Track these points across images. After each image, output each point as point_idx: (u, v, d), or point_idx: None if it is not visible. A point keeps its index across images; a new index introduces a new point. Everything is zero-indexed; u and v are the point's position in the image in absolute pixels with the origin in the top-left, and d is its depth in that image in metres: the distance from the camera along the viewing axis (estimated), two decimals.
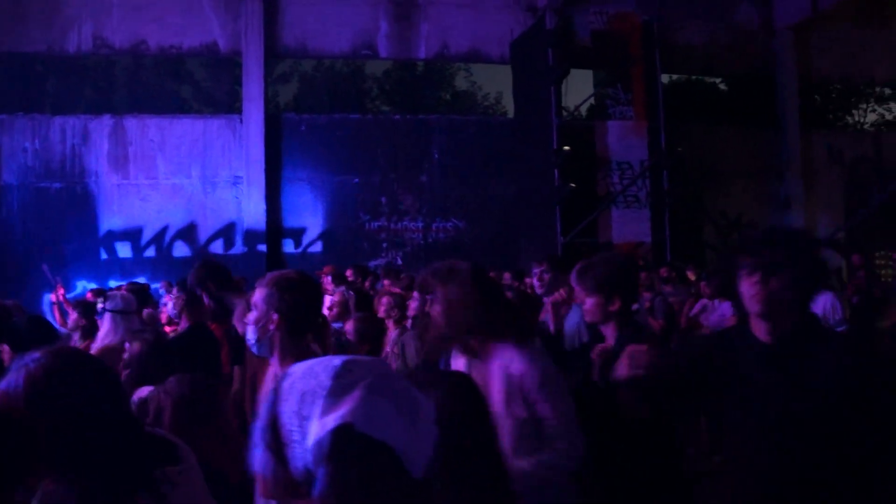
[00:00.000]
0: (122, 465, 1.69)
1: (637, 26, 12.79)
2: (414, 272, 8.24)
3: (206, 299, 4.96)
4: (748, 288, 2.25)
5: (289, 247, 13.48)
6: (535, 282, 4.91)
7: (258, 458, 1.13)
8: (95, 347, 4.73)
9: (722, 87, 21.16)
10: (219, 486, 2.05)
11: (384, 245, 13.66)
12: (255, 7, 13.26)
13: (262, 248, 13.01)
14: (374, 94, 23.86)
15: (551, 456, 2.56)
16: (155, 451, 1.83)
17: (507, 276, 8.61)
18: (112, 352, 4.37)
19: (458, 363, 2.83)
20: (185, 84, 21.62)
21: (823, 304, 5.54)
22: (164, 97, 19.68)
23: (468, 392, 1.88)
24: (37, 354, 1.71)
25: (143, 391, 2.87)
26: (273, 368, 2.72)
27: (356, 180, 13.65)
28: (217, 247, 13.15)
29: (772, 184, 14.96)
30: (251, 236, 13.05)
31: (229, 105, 19.24)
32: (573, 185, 11.87)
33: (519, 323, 2.86)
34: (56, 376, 1.67)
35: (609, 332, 3.31)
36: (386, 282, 8.38)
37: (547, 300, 4.88)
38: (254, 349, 2.69)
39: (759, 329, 2.28)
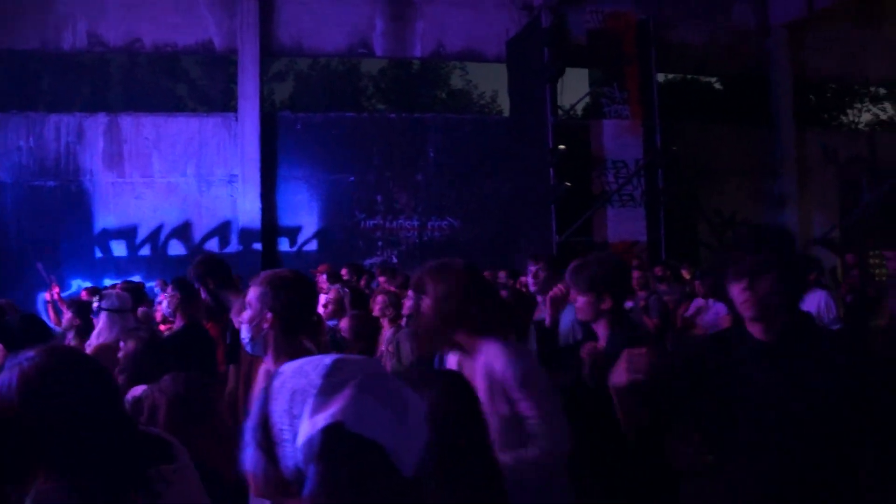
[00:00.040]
0: (116, 463, 1.70)
1: (632, 25, 12.80)
2: (409, 271, 8.24)
3: (203, 294, 4.96)
4: (737, 294, 2.27)
5: (284, 245, 13.47)
6: (530, 279, 4.91)
7: (249, 457, 1.13)
8: (90, 346, 4.73)
9: (717, 85, 21.20)
10: (214, 485, 2.05)
11: (379, 244, 13.65)
12: (251, 5, 13.24)
13: (258, 246, 13.00)
14: (370, 92, 23.85)
15: (532, 454, 2.55)
16: (149, 449, 1.83)
17: (501, 274, 8.61)
18: (107, 350, 4.37)
19: (452, 361, 2.85)
20: (180, 82, 21.59)
21: (817, 302, 5.56)
22: (159, 95, 19.65)
23: (462, 391, 1.88)
24: (31, 353, 1.71)
25: (137, 390, 2.87)
26: (265, 367, 2.73)
27: (352, 179, 13.64)
28: (212, 245, 13.13)
29: (766, 182, 15.00)
30: (246, 235, 13.04)
31: (225, 103, 19.22)
32: (568, 183, 11.88)
33: (507, 321, 2.87)
34: (50, 375, 1.67)
35: (601, 330, 3.34)
36: (381, 279, 8.38)
37: (540, 298, 4.91)
38: (248, 348, 2.70)
39: (755, 329, 2.30)
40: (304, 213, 13.54)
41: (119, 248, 13.03)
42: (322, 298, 6.27)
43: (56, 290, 9.19)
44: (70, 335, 5.30)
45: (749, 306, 2.24)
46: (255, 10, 13.24)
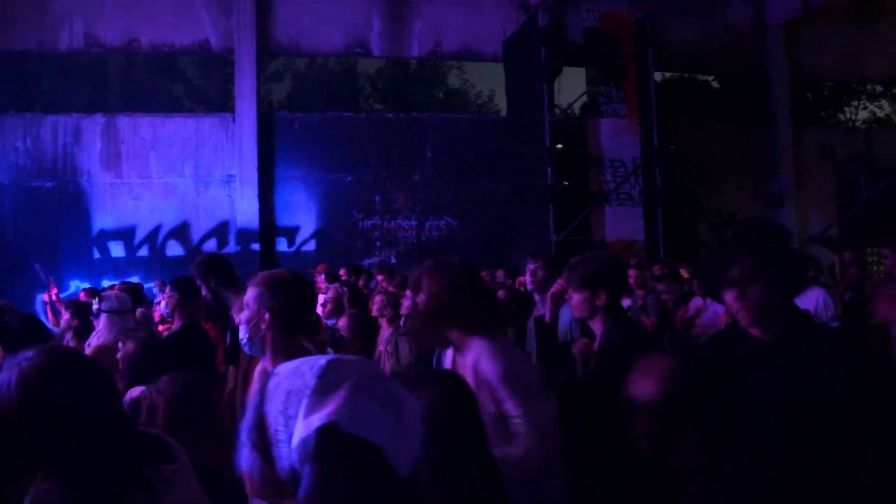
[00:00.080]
0: (115, 463, 1.70)
1: (629, 24, 12.80)
2: (407, 271, 8.24)
3: (204, 292, 4.96)
4: (731, 303, 2.27)
5: (282, 245, 13.46)
6: (528, 277, 4.90)
7: (245, 457, 1.13)
8: (90, 346, 4.74)
9: (714, 84, 21.21)
10: (213, 486, 2.05)
11: (377, 243, 13.65)
12: (248, 4, 13.23)
13: (256, 246, 12.99)
14: (367, 92, 23.85)
15: (515, 452, 2.53)
16: (148, 449, 1.84)
17: (500, 273, 8.61)
18: (106, 351, 4.38)
19: (449, 359, 2.85)
20: (177, 82, 21.59)
21: (815, 300, 5.54)
22: (156, 95, 19.64)
23: (459, 391, 1.89)
24: (30, 353, 1.72)
25: (135, 391, 2.88)
26: (261, 367, 2.73)
27: (349, 179, 13.64)
28: (210, 246, 13.12)
29: (764, 181, 15.01)
30: (244, 235, 13.03)
31: (222, 103, 19.20)
32: (566, 182, 11.89)
33: (499, 319, 2.87)
34: (49, 375, 1.68)
35: (597, 327, 3.36)
36: (380, 277, 8.38)
37: (538, 296, 4.91)
38: (246, 348, 2.70)
39: (754, 330, 2.30)
40: (301, 214, 13.53)
41: (117, 249, 13.02)
42: (321, 298, 6.28)
43: (54, 291, 9.18)
44: (68, 336, 5.31)
45: (743, 314, 2.25)
46: (251, 9, 13.23)
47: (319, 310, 6.15)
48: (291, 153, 13.51)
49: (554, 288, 4.06)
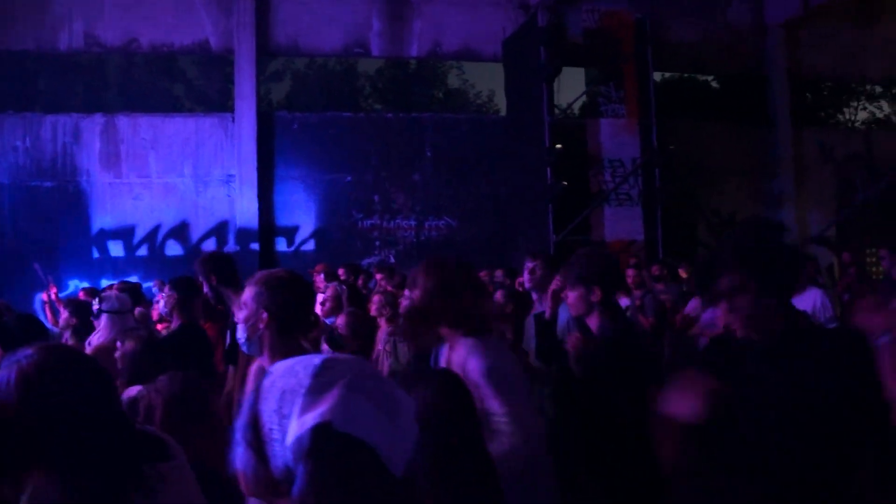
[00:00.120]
0: (112, 461, 1.70)
1: (629, 24, 12.80)
2: (407, 271, 8.25)
3: (206, 289, 4.97)
4: (724, 316, 2.26)
5: (281, 245, 13.47)
6: (526, 275, 4.91)
7: (239, 456, 1.14)
8: (90, 346, 4.74)
9: (714, 84, 21.22)
10: (212, 486, 2.06)
11: (377, 243, 13.66)
12: (247, 5, 13.23)
13: (255, 246, 12.99)
14: (367, 92, 23.85)
15: (497, 450, 2.49)
16: (146, 447, 1.84)
17: (498, 273, 8.61)
18: (105, 351, 4.38)
19: (443, 357, 2.87)
20: (177, 82, 21.59)
21: (813, 301, 5.53)
22: (156, 95, 19.64)
23: (456, 389, 1.89)
24: (29, 351, 1.72)
25: (133, 390, 2.88)
26: (256, 365, 2.73)
27: (349, 178, 13.64)
28: (209, 245, 13.12)
29: (764, 181, 15.01)
30: (244, 235, 13.03)
31: (221, 103, 19.21)
32: (565, 182, 11.90)
33: (490, 319, 2.89)
34: (48, 373, 1.68)
35: (593, 323, 3.38)
36: (379, 276, 8.38)
37: (535, 295, 4.92)
38: (244, 348, 2.70)
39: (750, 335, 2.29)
40: (301, 213, 13.54)
41: (116, 249, 13.02)
42: (319, 297, 6.28)
43: (53, 290, 9.17)
44: (67, 334, 5.31)
45: (737, 325, 2.24)
46: (251, 9, 13.23)
47: (318, 308, 6.15)
48: (291, 153, 13.51)
49: (553, 284, 4.09)
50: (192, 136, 13.29)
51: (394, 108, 21.32)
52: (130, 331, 4.35)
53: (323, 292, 6.49)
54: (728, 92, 18.92)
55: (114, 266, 12.80)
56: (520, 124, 13.12)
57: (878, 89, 22.02)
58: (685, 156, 13.75)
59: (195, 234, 13.18)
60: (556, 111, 13.24)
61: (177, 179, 13.19)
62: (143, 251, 13.06)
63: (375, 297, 5.58)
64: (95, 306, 4.95)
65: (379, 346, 5.31)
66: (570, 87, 14.34)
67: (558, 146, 12.00)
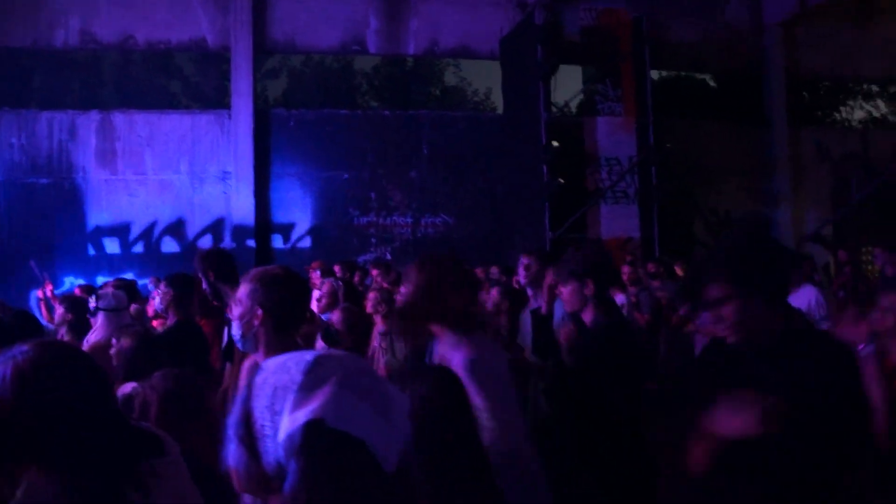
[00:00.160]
0: (107, 457, 1.70)
1: (626, 22, 12.81)
2: (403, 268, 8.24)
3: (204, 285, 4.98)
4: (713, 326, 2.27)
5: (278, 242, 13.46)
6: (521, 271, 4.92)
7: (231, 452, 1.14)
8: (87, 344, 4.73)
9: (711, 83, 21.22)
10: (208, 482, 2.05)
11: (373, 240, 13.66)
12: (244, 2, 13.21)
13: (251, 243, 12.99)
14: (364, 89, 23.81)
15: None
16: (140, 443, 1.84)
17: (494, 270, 8.61)
18: (101, 349, 4.37)
19: (435, 353, 2.88)
20: (173, 79, 21.53)
21: (808, 299, 5.56)
22: (152, 92, 19.58)
23: (451, 385, 1.90)
24: (24, 347, 1.71)
25: (127, 387, 2.87)
26: (250, 362, 2.73)
27: (345, 176, 13.64)
28: (206, 242, 13.10)
29: (761, 180, 15.03)
30: (240, 232, 13.02)
31: (218, 100, 19.16)
32: (562, 180, 11.91)
33: (474, 314, 2.90)
34: (44, 369, 1.67)
35: (588, 317, 3.40)
36: (375, 272, 8.39)
37: (531, 291, 4.93)
38: (239, 345, 2.69)
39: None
40: (297, 210, 13.53)
41: (112, 246, 13.00)
42: (315, 294, 6.28)
43: (49, 287, 9.15)
44: (63, 330, 5.30)
45: (726, 334, 2.25)
46: (248, 6, 13.21)
47: (314, 305, 6.15)
48: (287, 150, 13.50)
49: (549, 279, 4.10)
50: (189, 133, 13.27)
51: (391, 105, 21.28)
52: (126, 328, 4.34)
53: (319, 289, 6.49)
54: (725, 91, 18.92)
55: (109, 263, 12.79)
56: (517, 122, 13.12)
57: (875, 89, 22.03)
58: (682, 154, 13.76)
59: (191, 231, 13.17)
60: (553, 109, 13.26)
61: (173, 176, 13.17)
62: (138, 248, 13.04)
63: (371, 294, 5.58)
64: (92, 304, 4.95)
65: (374, 343, 5.31)
66: (567, 85, 14.33)
67: (555, 144, 12.01)
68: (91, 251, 12.91)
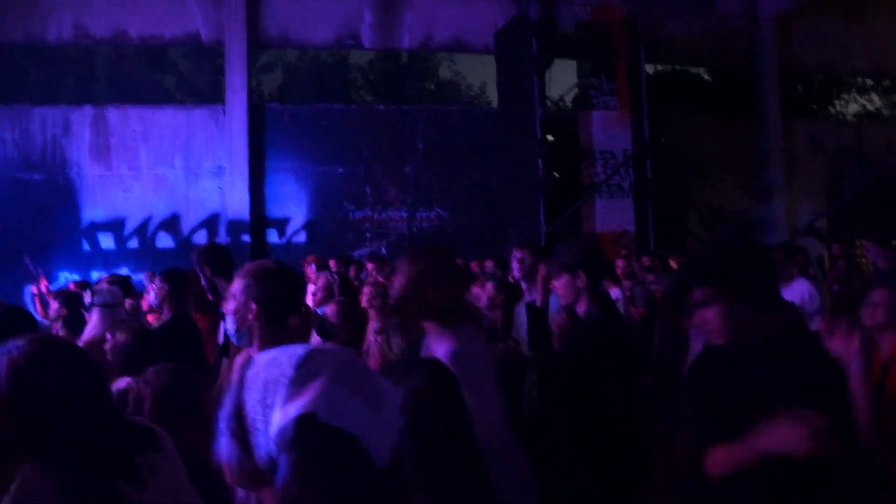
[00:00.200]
0: (102, 451, 1.71)
1: (621, 17, 12.80)
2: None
3: (202, 281, 4.99)
4: (698, 327, 2.29)
5: (273, 237, 13.45)
6: (515, 265, 4.93)
7: (223, 446, 1.14)
8: (82, 341, 4.73)
9: (705, 77, 21.24)
10: (204, 478, 2.06)
11: (368, 235, 13.65)
12: None
13: (246, 238, 12.97)
14: (359, 84, 23.75)
15: None
16: (135, 438, 1.85)
17: (489, 264, 8.62)
18: (96, 345, 4.37)
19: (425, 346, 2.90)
20: (167, 74, 21.45)
21: (801, 292, 5.56)
22: (146, 87, 19.51)
23: (443, 378, 1.90)
24: (20, 342, 1.72)
25: (122, 382, 2.88)
26: (243, 356, 2.74)
27: (340, 170, 13.62)
28: (201, 237, 13.08)
29: (755, 173, 15.07)
30: (235, 227, 13.00)
31: (212, 95, 19.09)
32: (557, 174, 11.92)
33: (462, 308, 2.91)
34: (39, 364, 1.68)
35: (581, 310, 3.43)
36: (370, 266, 8.39)
37: (525, 285, 4.93)
38: (233, 339, 2.70)
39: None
40: (292, 205, 13.52)
41: (107, 241, 12.98)
42: (310, 288, 6.28)
43: (44, 283, 9.14)
44: (57, 326, 5.30)
45: (713, 337, 2.27)
46: (241, 1, 13.17)
47: (310, 299, 6.16)
48: (282, 145, 13.48)
49: (543, 272, 4.12)
50: (183, 128, 13.24)
51: (385, 100, 21.25)
52: (122, 323, 4.35)
53: (314, 283, 6.49)
54: (719, 85, 18.94)
55: (104, 258, 12.76)
56: (511, 116, 13.12)
57: (869, 82, 22.07)
58: (676, 148, 13.78)
59: (186, 226, 13.15)
60: (548, 103, 13.27)
61: (167, 171, 13.14)
62: (133, 243, 13.02)
63: (366, 289, 5.58)
64: (87, 299, 4.95)
65: (369, 338, 5.32)
66: (562, 79, 14.32)
67: (550, 138, 12.01)
68: (85, 246, 12.89)
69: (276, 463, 1.07)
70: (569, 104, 15.95)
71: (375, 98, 22.46)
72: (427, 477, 1.63)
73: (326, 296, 6.04)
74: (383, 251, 13.26)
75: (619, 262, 7.89)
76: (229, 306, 2.66)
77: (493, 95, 18.00)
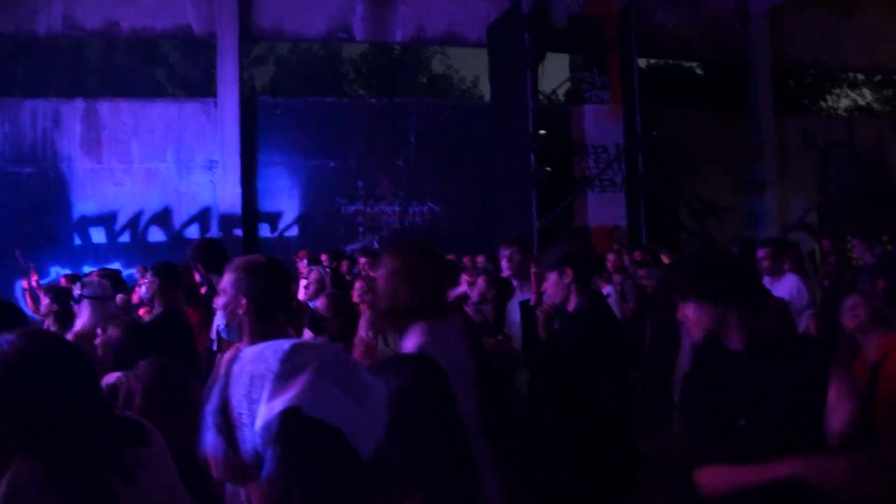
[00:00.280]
0: (92, 445, 1.71)
1: (613, 11, 12.80)
2: None
3: (197, 277, 4.98)
4: (682, 324, 2.35)
5: (265, 231, 13.42)
6: (505, 263, 4.92)
7: (209, 440, 1.14)
8: (72, 333, 4.71)
9: (698, 71, 21.27)
10: (194, 473, 2.06)
11: (360, 229, 13.64)
12: None
13: (238, 232, 12.94)
14: (351, 77, 23.72)
15: None
16: (125, 432, 1.85)
17: (480, 258, 8.62)
18: (86, 337, 4.36)
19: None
20: (159, 67, 21.37)
21: (790, 288, 5.57)
22: (137, 80, 19.43)
23: (433, 374, 1.90)
24: (10, 336, 1.72)
25: (111, 377, 2.87)
26: (231, 351, 2.74)
27: (332, 164, 13.60)
28: (192, 231, 13.05)
29: (747, 168, 15.11)
30: (227, 221, 12.97)
31: (204, 88, 19.03)
32: (549, 168, 11.93)
33: (441, 303, 2.92)
34: (29, 358, 1.69)
35: (571, 306, 3.45)
36: (363, 260, 8.38)
37: (516, 282, 4.93)
38: (223, 333, 2.71)
39: (723, 338, 2.34)
40: (284, 199, 13.49)
41: (98, 235, 12.93)
42: (302, 282, 6.27)
43: (34, 277, 9.10)
44: (48, 321, 5.28)
45: (694, 335, 2.34)
46: None
47: (302, 293, 6.15)
48: (274, 138, 13.45)
49: (533, 269, 4.14)
50: (175, 122, 13.19)
51: (378, 93, 21.22)
52: (114, 317, 4.33)
53: (306, 277, 6.48)
54: (712, 79, 18.98)
55: (95, 253, 12.71)
56: (504, 110, 13.11)
57: (860, 77, 22.15)
58: (669, 142, 13.81)
59: (178, 220, 13.11)
60: (541, 97, 13.25)
61: (159, 165, 13.10)
62: (125, 238, 12.97)
63: (357, 284, 5.57)
64: (76, 291, 4.92)
65: (361, 332, 5.31)
66: (555, 73, 14.33)
67: (542, 132, 12.02)
68: (77, 241, 12.84)
69: (261, 457, 1.07)
70: (561, 98, 15.96)
71: (368, 91, 22.43)
72: (416, 473, 1.63)
73: (318, 290, 6.02)
74: (376, 245, 13.25)
75: (610, 256, 7.91)
76: (220, 301, 2.66)
77: (485, 89, 18.03)
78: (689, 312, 2.29)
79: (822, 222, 14.19)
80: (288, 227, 13.48)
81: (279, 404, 1.07)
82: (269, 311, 2.64)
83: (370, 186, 13.70)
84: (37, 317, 6.48)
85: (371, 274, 6.67)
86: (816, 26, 15.27)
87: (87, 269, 11.59)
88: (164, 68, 21.45)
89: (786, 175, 15.18)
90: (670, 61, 19.84)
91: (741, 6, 15.05)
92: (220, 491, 2.30)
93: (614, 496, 3.33)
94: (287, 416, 1.06)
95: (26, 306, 8.79)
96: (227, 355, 2.74)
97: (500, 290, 5.52)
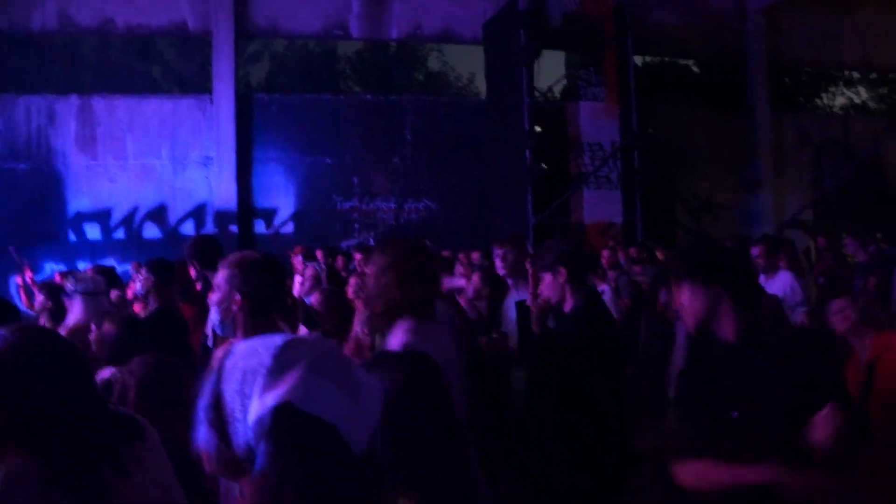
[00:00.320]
0: (87, 440, 1.71)
1: (609, 8, 12.80)
2: None
3: (193, 274, 4.98)
4: (677, 312, 2.37)
5: (260, 227, 13.40)
6: (498, 262, 4.90)
7: (202, 435, 1.14)
8: (65, 328, 4.70)
9: (694, 69, 21.28)
10: (189, 469, 2.06)
11: (356, 226, 13.63)
12: None
13: (234, 228, 12.92)
14: (347, 74, 23.68)
15: None
16: (120, 428, 1.85)
17: (475, 255, 8.61)
18: (79, 332, 4.35)
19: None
20: (154, 64, 21.31)
21: (783, 285, 5.58)
22: (132, 77, 19.38)
23: (429, 372, 1.90)
24: (3, 332, 1.72)
25: (105, 372, 2.87)
26: (222, 348, 2.74)
27: (328, 161, 13.58)
28: (188, 228, 13.04)
29: (743, 166, 15.13)
30: (222, 217, 12.95)
31: (200, 85, 18.98)
32: (545, 165, 11.94)
33: (429, 301, 2.92)
34: (23, 354, 1.68)
35: (567, 305, 3.46)
36: (358, 256, 8.37)
37: (510, 281, 4.93)
38: (218, 329, 2.71)
39: (716, 329, 2.34)
40: (280, 196, 13.48)
41: (93, 232, 12.90)
42: (298, 279, 6.27)
43: (29, 274, 9.08)
44: (43, 318, 5.27)
45: (689, 324, 2.35)
46: None
47: (297, 289, 6.15)
48: (270, 135, 13.43)
49: (530, 269, 4.13)
50: (170, 118, 13.16)
51: (374, 90, 21.20)
52: (108, 313, 4.32)
53: (302, 273, 6.48)
54: (708, 76, 18.99)
55: (90, 249, 12.69)
56: (500, 107, 13.11)
57: (856, 75, 22.18)
58: (664, 139, 13.81)
59: (173, 216, 13.08)
60: (537, 94, 13.26)
61: (154, 161, 13.07)
62: (120, 234, 12.94)
63: (352, 280, 5.57)
64: (69, 287, 4.91)
65: (356, 329, 5.31)
66: (551, 70, 14.35)
67: (538, 129, 12.03)
68: (72, 237, 12.81)
69: (254, 452, 1.07)
70: (557, 95, 15.95)
71: (363, 88, 22.40)
72: (413, 472, 1.63)
73: (314, 286, 6.02)
74: (371, 242, 13.24)
75: (604, 253, 7.91)
76: (214, 297, 2.66)
77: (481, 86, 17.97)
78: (684, 298, 2.29)
79: (818, 220, 14.21)
80: (283, 223, 13.46)
81: (271, 399, 1.07)
82: (264, 307, 2.64)
83: (366, 183, 13.69)
84: (31, 313, 6.46)
85: (367, 270, 6.67)
86: (813, 25, 15.29)
87: (81, 265, 11.58)
88: (159, 65, 21.39)
89: (782, 173, 15.20)
90: (666, 59, 19.85)
91: (738, 4, 15.07)
92: (214, 486, 2.30)
93: (609, 493, 3.34)
94: (279, 410, 1.06)
95: (21, 303, 8.77)
96: (220, 351, 2.75)
97: (495, 288, 5.52)
